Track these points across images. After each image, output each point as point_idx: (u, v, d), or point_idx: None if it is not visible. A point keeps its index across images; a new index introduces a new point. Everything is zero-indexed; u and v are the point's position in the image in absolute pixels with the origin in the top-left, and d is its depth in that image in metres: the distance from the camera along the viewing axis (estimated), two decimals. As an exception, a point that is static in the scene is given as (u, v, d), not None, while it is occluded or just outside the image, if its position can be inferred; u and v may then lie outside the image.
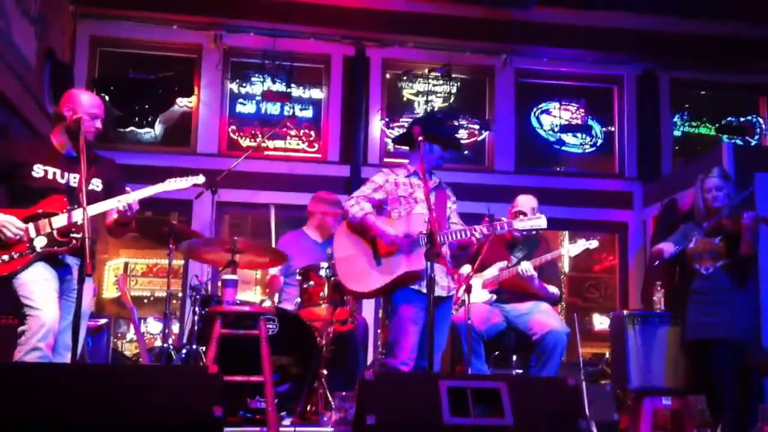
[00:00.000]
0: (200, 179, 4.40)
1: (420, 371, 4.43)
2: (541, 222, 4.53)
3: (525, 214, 5.25)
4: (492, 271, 5.49)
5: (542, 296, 5.42)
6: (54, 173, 4.10)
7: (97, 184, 4.21)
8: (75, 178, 4.09)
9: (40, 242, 3.98)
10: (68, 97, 4.22)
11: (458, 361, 5.33)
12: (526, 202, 5.61)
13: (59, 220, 4.01)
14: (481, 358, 5.26)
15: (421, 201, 4.53)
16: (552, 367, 5.10)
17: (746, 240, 4.79)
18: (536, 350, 5.21)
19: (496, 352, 5.51)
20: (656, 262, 5.25)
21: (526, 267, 5.28)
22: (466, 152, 9.70)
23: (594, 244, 5.44)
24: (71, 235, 3.99)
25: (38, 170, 4.07)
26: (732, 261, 4.92)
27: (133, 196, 4.12)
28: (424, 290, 4.36)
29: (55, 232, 4.00)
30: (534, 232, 5.44)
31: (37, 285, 3.91)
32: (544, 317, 5.26)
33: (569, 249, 5.48)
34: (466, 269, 5.46)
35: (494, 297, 5.45)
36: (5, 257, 3.93)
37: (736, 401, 4.83)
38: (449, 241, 4.55)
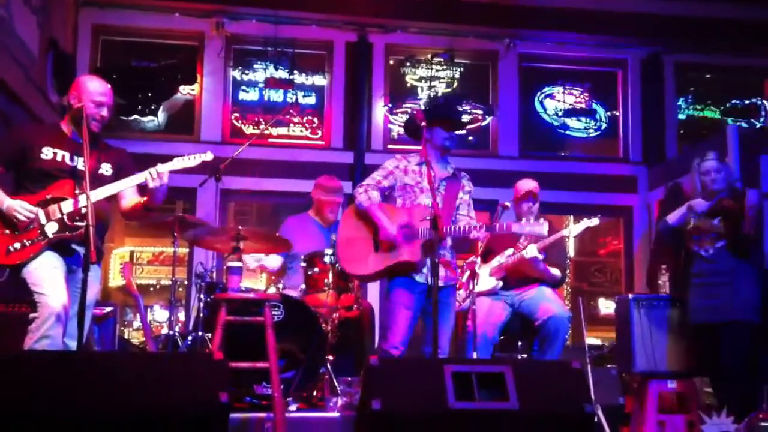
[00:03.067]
0: (208, 156, 4.32)
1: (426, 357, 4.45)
2: (541, 229, 4.44)
3: (534, 196, 5.31)
4: (500, 260, 5.48)
5: (546, 279, 5.41)
6: (63, 156, 4.06)
7: (107, 169, 4.18)
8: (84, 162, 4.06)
9: (51, 228, 3.95)
10: (75, 84, 4.18)
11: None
12: (524, 185, 5.60)
13: (69, 205, 3.98)
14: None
15: (426, 190, 4.53)
16: (554, 352, 5.12)
17: (749, 219, 4.78)
18: (539, 335, 5.22)
19: (501, 337, 5.51)
20: (668, 225, 5.22)
21: (531, 250, 5.27)
22: (470, 138, 9.68)
23: (594, 221, 5.40)
24: (77, 222, 3.97)
25: (47, 152, 4.03)
26: (733, 241, 4.91)
27: (163, 169, 4.08)
28: (418, 279, 4.45)
29: (65, 218, 3.97)
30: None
31: (46, 272, 3.89)
32: (546, 302, 5.26)
33: (571, 229, 5.45)
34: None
35: (500, 284, 5.44)
36: (17, 245, 3.91)
37: (743, 383, 4.83)
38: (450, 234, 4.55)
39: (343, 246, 4.68)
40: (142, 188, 4.20)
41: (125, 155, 4.37)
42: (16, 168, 4.08)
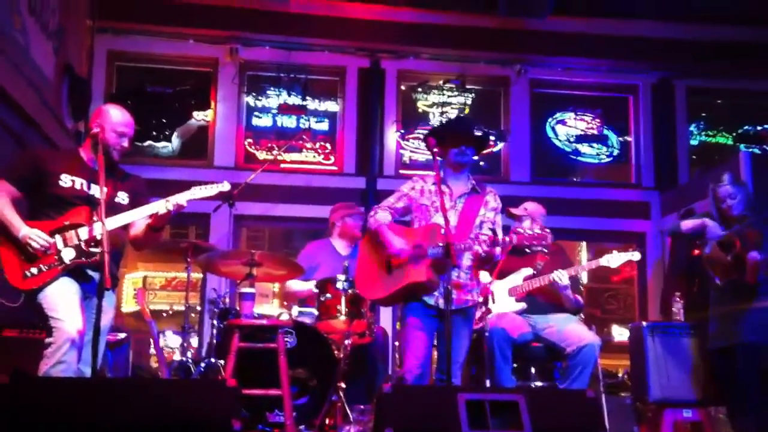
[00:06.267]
0: (225, 186, 4.38)
1: (437, 383, 4.42)
2: (544, 239, 4.40)
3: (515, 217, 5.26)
4: (516, 279, 5.42)
5: (570, 305, 5.36)
6: (81, 183, 4.10)
7: (123, 198, 4.22)
8: (103, 190, 4.10)
9: (68, 254, 3.97)
10: (99, 112, 4.23)
11: (483, 372, 5.25)
12: (535, 210, 5.59)
13: (86, 232, 4.01)
14: (510, 365, 5.19)
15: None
16: (584, 380, 5.03)
17: (751, 273, 4.75)
18: (569, 362, 5.12)
19: (515, 365, 5.46)
20: (679, 230, 5.14)
21: (561, 275, 5.22)
22: (482, 163, 9.69)
23: (637, 256, 5.34)
24: (92, 248, 3.99)
25: (65, 179, 4.07)
26: (741, 279, 4.87)
27: (180, 198, 4.13)
28: (428, 301, 4.38)
29: (82, 244, 3.99)
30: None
31: (63, 298, 3.91)
32: (577, 330, 5.20)
33: (611, 260, 5.37)
34: (485, 278, 5.37)
35: (525, 306, 5.38)
36: (34, 270, 3.93)
37: (759, 406, 4.77)
38: (465, 251, 4.49)
39: (359, 271, 4.66)
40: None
41: (141, 183, 4.41)
42: (30, 191, 4.11)
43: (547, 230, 4.38)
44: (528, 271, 5.40)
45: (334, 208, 6.24)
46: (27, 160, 4.31)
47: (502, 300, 5.37)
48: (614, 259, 5.32)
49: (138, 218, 4.17)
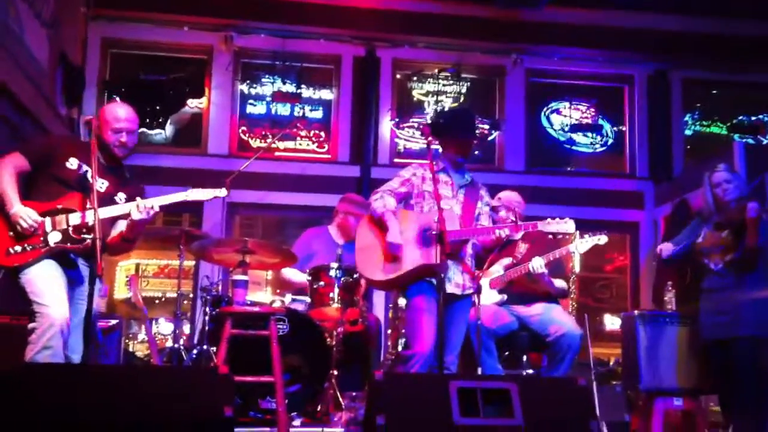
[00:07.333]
0: (223, 192, 4.33)
1: (433, 371, 4.43)
2: (568, 227, 4.44)
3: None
4: (497, 269, 5.42)
5: (551, 292, 5.37)
6: (86, 170, 4.11)
7: (121, 197, 4.23)
8: (103, 184, 4.12)
9: (54, 237, 3.98)
10: (102, 109, 4.29)
11: (470, 362, 5.26)
12: (508, 198, 5.60)
13: (76, 218, 4.02)
14: (494, 356, 5.21)
15: (445, 197, 4.52)
16: (563, 368, 5.07)
17: (751, 231, 4.74)
18: (550, 351, 5.17)
19: (506, 353, 5.48)
20: (656, 261, 5.18)
21: (539, 264, 5.22)
22: (476, 152, 9.68)
23: (603, 239, 5.32)
24: (84, 235, 4.00)
25: (72, 162, 4.10)
26: (740, 254, 4.86)
27: (153, 202, 4.11)
28: (437, 283, 4.37)
29: (70, 230, 4.00)
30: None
31: (47, 282, 3.90)
32: (558, 319, 5.22)
33: (578, 245, 5.36)
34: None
35: (505, 297, 5.39)
36: (18, 248, 3.94)
37: (755, 400, 4.78)
38: (472, 240, 4.53)
39: (361, 253, 4.59)
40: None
41: (141, 191, 4.36)
42: (38, 168, 4.12)
43: (567, 219, 4.43)
44: (508, 260, 5.40)
45: (343, 198, 6.18)
46: (44, 141, 4.42)
47: (484, 292, 5.37)
48: (582, 245, 5.30)
49: (119, 213, 4.15)
